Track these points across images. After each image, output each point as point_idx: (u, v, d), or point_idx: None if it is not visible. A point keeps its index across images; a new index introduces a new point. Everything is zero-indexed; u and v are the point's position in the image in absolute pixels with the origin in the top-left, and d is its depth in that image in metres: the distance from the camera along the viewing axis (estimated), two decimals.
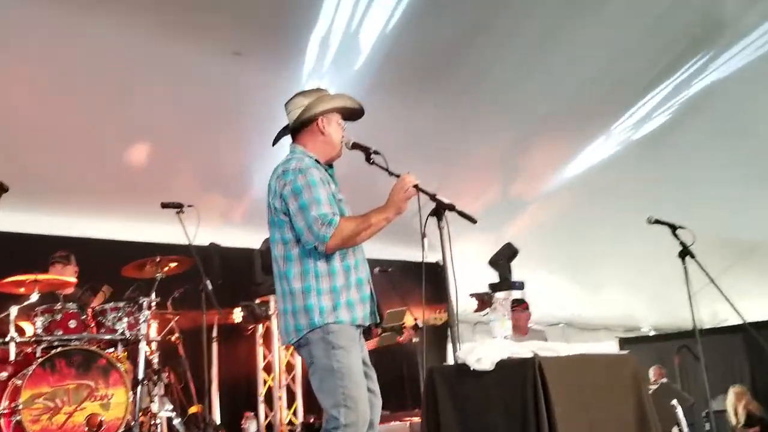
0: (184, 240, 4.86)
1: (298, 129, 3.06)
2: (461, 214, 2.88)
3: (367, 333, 3.05)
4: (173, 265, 5.08)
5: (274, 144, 3.17)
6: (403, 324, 5.97)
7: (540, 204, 8.46)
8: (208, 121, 5.70)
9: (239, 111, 5.68)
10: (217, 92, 5.52)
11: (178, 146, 5.86)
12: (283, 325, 2.92)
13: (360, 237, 2.81)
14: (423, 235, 2.78)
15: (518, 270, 7.58)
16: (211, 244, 6.32)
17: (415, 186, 2.86)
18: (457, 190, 7.32)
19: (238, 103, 5.63)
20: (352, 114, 3.14)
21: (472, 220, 2.87)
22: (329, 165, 3.10)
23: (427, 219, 2.86)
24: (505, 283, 7.47)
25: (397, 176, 2.91)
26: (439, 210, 2.88)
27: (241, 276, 6.58)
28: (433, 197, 2.88)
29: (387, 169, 2.95)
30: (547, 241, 8.81)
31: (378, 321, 2.93)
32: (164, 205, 4.89)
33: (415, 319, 5.96)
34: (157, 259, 5.00)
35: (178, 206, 4.88)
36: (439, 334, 7.97)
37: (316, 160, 3.00)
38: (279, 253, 2.92)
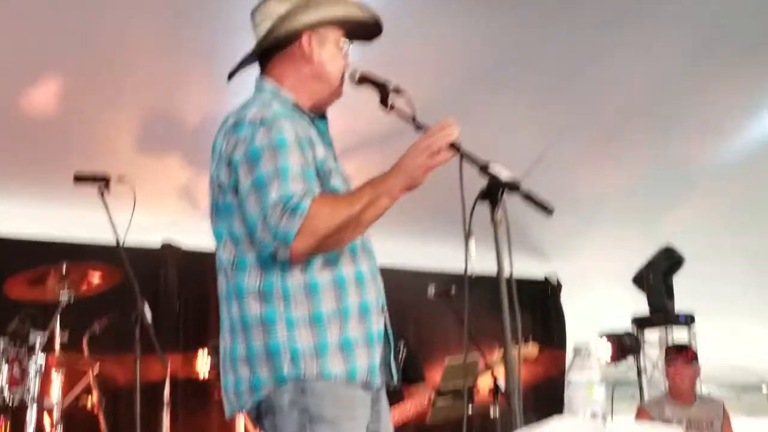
0: (110, 237, 4.18)
1: (269, 53, 2.58)
2: (529, 198, 2.25)
3: (394, 395, 2.50)
4: (92, 278, 4.43)
5: (229, 78, 2.64)
6: (475, 384, 4.75)
7: (720, 177, 6.43)
8: (147, 36, 4.95)
9: (198, 20, 4.94)
10: None
11: (98, 79, 5.05)
12: (231, 381, 2.36)
13: (349, 231, 2.29)
14: (467, 234, 2.24)
15: (683, 293, 6.25)
16: (164, 245, 5.70)
17: (452, 145, 2.30)
18: (567, 156, 6.07)
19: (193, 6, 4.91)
20: (360, 30, 2.63)
21: (547, 210, 2.25)
22: (318, 114, 2.59)
23: (474, 205, 2.24)
24: (661, 314, 6.14)
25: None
26: (493, 191, 2.25)
27: (212, 298, 5.52)
28: (483, 168, 2.26)
29: (414, 120, 2.41)
30: (735, 243, 6.87)
31: (402, 380, 2.33)
32: (78, 178, 4.24)
33: (495, 378, 4.61)
34: (63, 269, 4.32)
35: (100, 179, 4.26)
36: (550, 395, 6.66)
37: (294, 105, 2.50)
38: (226, 258, 2.41)
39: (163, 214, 5.79)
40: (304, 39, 2.53)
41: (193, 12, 4.98)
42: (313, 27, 2.54)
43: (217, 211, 2.43)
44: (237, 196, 2.34)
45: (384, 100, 2.49)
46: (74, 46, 4.84)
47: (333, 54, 2.56)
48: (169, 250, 5.79)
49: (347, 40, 2.61)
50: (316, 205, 2.23)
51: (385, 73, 2.54)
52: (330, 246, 2.29)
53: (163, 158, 5.72)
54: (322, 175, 2.38)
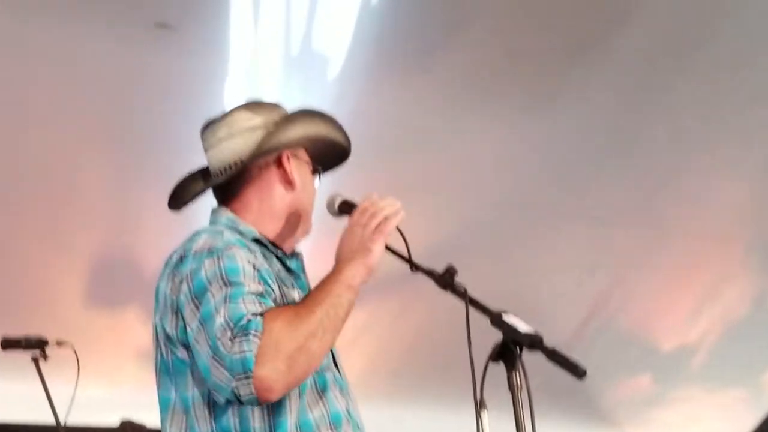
0: (48, 416, 4.07)
1: (232, 179, 2.45)
2: (555, 357, 2.08)
3: None
4: None
5: (178, 207, 2.55)
6: None
7: None
8: (99, 168, 5.00)
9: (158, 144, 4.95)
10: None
11: (38, 220, 5.06)
12: None
13: (317, 341, 2.10)
14: (479, 404, 2.11)
15: None
16: (123, 422, 5.19)
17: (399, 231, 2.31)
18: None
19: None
20: (331, 153, 2.57)
21: (578, 372, 2.08)
22: (287, 252, 2.46)
23: (485, 368, 2.10)
24: None
25: (430, 273, 2.26)
26: (509, 349, 2.11)
27: None
28: (495, 319, 2.13)
29: (409, 260, 2.32)
30: None
31: None
32: (7, 344, 4.14)
33: None
34: None
35: (34, 343, 4.16)
36: None
37: (255, 240, 2.36)
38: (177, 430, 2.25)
39: (121, 383, 5.59)
40: (284, 159, 2.44)
41: (152, 135, 4.98)
42: (291, 146, 2.46)
43: (164, 372, 2.28)
44: (186, 349, 2.19)
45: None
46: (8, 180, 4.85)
47: (309, 180, 2.49)
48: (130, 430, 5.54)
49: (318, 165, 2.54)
50: (269, 319, 2.06)
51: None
52: (302, 366, 2.09)
53: (117, 313, 5.59)
54: (267, 301, 2.20)
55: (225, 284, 2.13)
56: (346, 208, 2.40)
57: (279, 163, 2.44)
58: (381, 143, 5.23)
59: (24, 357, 4.18)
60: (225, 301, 2.10)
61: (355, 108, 5.01)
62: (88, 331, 4.75)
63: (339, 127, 2.55)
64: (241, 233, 2.35)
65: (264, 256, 2.32)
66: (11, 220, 5.09)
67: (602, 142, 5.91)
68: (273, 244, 2.40)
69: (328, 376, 2.26)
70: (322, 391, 2.23)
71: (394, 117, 5.41)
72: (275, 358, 2.01)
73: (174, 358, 2.24)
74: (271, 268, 2.30)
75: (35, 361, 4.17)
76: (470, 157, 5.76)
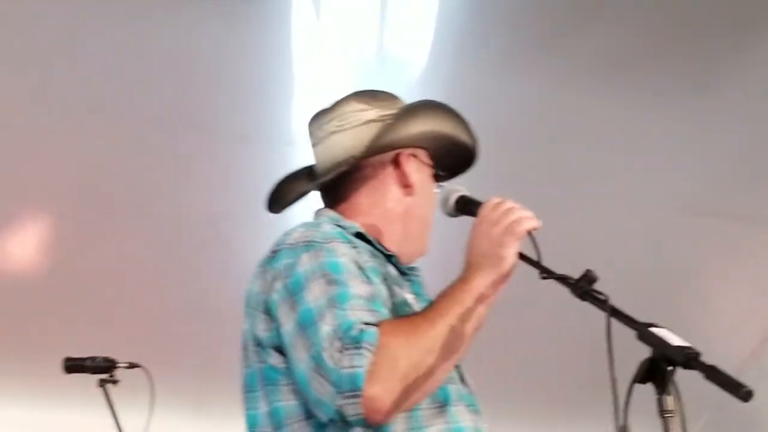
0: None
1: (341, 178, 2.49)
2: (714, 375, 2.01)
3: None
4: None
5: (277, 210, 2.61)
6: None
7: None
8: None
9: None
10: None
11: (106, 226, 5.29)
12: None
13: (441, 359, 2.13)
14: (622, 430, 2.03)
15: None
16: None
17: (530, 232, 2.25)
18: None
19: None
20: (454, 156, 2.57)
21: (742, 393, 1.97)
22: (404, 262, 2.49)
23: (630, 388, 2.06)
24: None
25: (564, 280, 2.20)
26: (659, 367, 2.07)
27: None
28: (642, 332, 2.08)
29: (539, 264, 2.26)
30: None
31: None
32: (71, 368, 4.32)
33: None
34: None
35: (102, 366, 4.34)
36: None
37: (357, 234, 2.39)
38: None
39: (203, 411, 5.74)
40: (403, 159, 2.45)
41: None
42: (411, 144, 2.46)
43: (252, 386, 2.30)
44: (280, 354, 2.22)
45: None
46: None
47: (429, 185, 2.49)
48: None
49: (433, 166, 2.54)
50: (384, 332, 2.06)
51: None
52: (419, 387, 2.10)
53: (198, 333, 5.74)
54: (381, 306, 2.21)
55: (327, 283, 2.15)
56: (466, 205, 2.38)
57: (396, 162, 2.46)
58: (503, 134, 5.28)
59: (90, 381, 4.35)
60: (330, 305, 2.12)
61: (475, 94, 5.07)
62: (163, 353, 4.87)
63: (466, 126, 2.53)
64: (342, 227, 2.37)
65: (371, 254, 2.34)
66: (78, 236, 5.39)
67: None
68: (384, 248, 2.43)
69: (452, 389, 2.27)
70: (443, 404, 2.25)
71: (516, 106, 5.44)
72: (389, 377, 2.03)
73: (265, 367, 2.26)
74: (378, 266, 2.31)
75: (103, 385, 4.32)
76: (613, 151, 5.73)
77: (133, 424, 4.33)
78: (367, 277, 2.23)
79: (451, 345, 2.13)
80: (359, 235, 2.37)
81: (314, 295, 2.15)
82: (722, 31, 5.50)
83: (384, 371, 2.03)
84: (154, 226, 5.35)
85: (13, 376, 5.48)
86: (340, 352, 2.03)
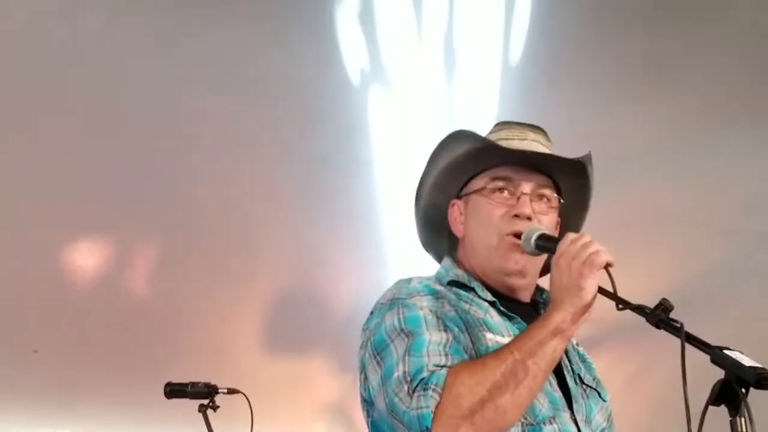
0: None
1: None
2: None
3: None
4: None
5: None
6: None
7: None
8: (275, 202, 5.37)
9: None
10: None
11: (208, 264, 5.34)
12: None
13: (509, 395, 2.12)
14: None
15: None
16: None
17: (607, 266, 2.21)
18: None
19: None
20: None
21: None
22: (522, 298, 2.51)
23: (704, 412, 2.00)
24: None
25: (641, 310, 2.17)
26: (732, 389, 2.01)
27: None
28: (715, 355, 2.04)
29: (615, 296, 2.22)
30: None
31: None
32: (174, 391, 4.34)
33: None
34: None
35: (203, 391, 4.33)
36: None
37: (452, 283, 2.47)
38: None
39: None
40: (458, 203, 2.55)
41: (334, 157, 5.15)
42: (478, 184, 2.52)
43: None
44: (374, 409, 2.31)
45: None
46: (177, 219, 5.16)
47: (486, 209, 2.48)
48: None
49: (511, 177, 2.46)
50: (453, 372, 2.11)
51: None
52: (488, 423, 2.10)
53: (298, 361, 5.73)
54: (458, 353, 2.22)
55: (406, 335, 2.25)
56: (546, 243, 2.37)
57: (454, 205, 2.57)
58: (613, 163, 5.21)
59: (191, 406, 4.35)
60: (406, 354, 2.21)
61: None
62: (263, 380, 4.89)
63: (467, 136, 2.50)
64: (439, 279, 2.48)
65: (466, 300, 2.40)
66: (181, 264, 5.43)
67: None
68: (489, 287, 2.45)
69: (548, 428, 2.27)
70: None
71: (629, 133, 5.38)
72: (454, 415, 2.07)
73: (371, 421, 2.38)
74: (473, 314, 2.36)
75: (203, 410, 4.32)
76: (727, 186, 5.64)
77: None
78: (446, 326, 2.28)
79: (523, 380, 2.12)
80: (453, 283, 2.45)
81: (396, 350, 2.24)
82: None
83: (450, 410, 2.07)
84: (257, 251, 5.41)
85: (116, 402, 5.48)
86: (410, 395, 2.12)
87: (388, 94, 5.47)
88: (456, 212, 2.53)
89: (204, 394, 4.35)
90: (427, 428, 2.06)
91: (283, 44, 5.21)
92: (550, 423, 2.27)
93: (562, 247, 2.24)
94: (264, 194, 5.31)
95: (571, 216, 2.56)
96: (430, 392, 2.08)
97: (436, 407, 2.07)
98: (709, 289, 5.73)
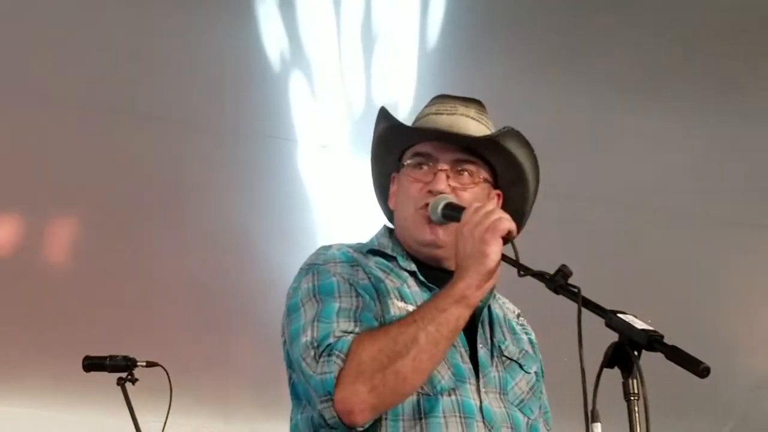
0: None
1: None
2: (676, 356, 1.99)
3: None
4: None
5: None
6: None
7: None
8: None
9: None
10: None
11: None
12: None
13: (411, 359, 2.14)
14: (590, 418, 2.02)
15: None
16: None
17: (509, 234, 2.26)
18: None
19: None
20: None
21: (700, 370, 1.97)
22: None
23: (599, 375, 2.03)
24: None
25: (540, 276, 2.23)
26: (624, 351, 2.05)
27: None
28: (610, 319, 2.08)
29: (518, 263, 2.29)
30: None
31: None
32: (90, 366, 4.32)
33: None
34: None
35: (121, 367, 4.31)
36: None
37: (372, 251, 2.52)
38: None
39: (223, 415, 5.72)
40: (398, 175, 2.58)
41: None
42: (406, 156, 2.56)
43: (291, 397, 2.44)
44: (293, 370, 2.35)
45: None
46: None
47: (407, 185, 2.51)
48: None
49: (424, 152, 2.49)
50: (357, 340, 2.15)
51: None
52: (389, 388, 2.14)
53: (221, 337, 5.68)
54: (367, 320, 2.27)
55: (317, 301, 2.30)
56: (451, 211, 2.39)
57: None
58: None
59: (110, 379, 4.34)
60: (315, 319, 2.25)
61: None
62: (185, 354, 4.87)
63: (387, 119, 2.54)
64: (361, 247, 2.51)
65: (383, 269, 2.44)
66: (102, 238, 5.39)
67: None
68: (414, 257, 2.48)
69: (445, 399, 2.28)
70: (424, 415, 2.26)
71: (539, 114, 5.42)
72: (355, 380, 2.12)
73: (291, 383, 2.42)
74: (388, 282, 2.39)
75: (122, 384, 4.31)
76: (638, 161, 5.72)
77: (151, 423, 4.32)
78: (357, 293, 2.32)
79: (425, 347, 2.15)
80: (373, 252, 2.50)
81: (305, 313, 2.29)
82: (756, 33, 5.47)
83: (351, 375, 2.11)
84: (179, 227, 5.39)
85: (34, 374, 5.48)
86: (316, 360, 2.16)
87: (307, 79, 5.46)
88: (394, 186, 2.57)
89: (122, 367, 4.34)
90: (330, 393, 2.11)
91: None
92: (449, 395, 2.30)
93: (465, 215, 2.27)
94: (188, 171, 5.30)
95: (510, 190, 2.55)
96: (334, 358, 2.13)
97: (339, 372, 2.11)
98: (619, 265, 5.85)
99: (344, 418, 2.12)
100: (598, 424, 2.04)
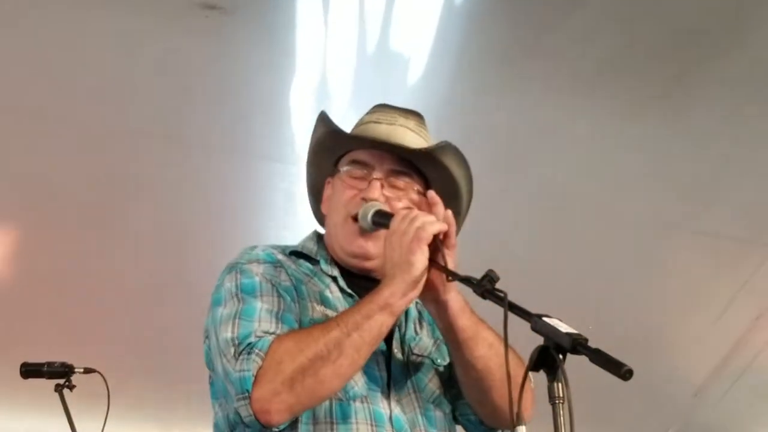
0: None
1: None
2: (599, 359, 1.97)
3: None
4: None
5: None
6: None
7: None
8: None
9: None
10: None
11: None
12: None
13: (331, 364, 2.15)
14: (514, 420, 2.03)
15: None
16: None
17: (436, 238, 2.27)
18: None
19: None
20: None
21: (622, 374, 1.95)
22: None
23: (525, 378, 2.05)
24: None
25: (467, 281, 2.24)
26: (549, 354, 2.04)
27: None
28: (534, 323, 2.08)
29: (446, 268, 2.30)
30: None
31: None
32: (28, 372, 4.30)
33: None
34: None
35: (59, 374, 4.30)
36: None
37: (294, 253, 2.54)
38: None
39: (160, 419, 5.75)
40: (329, 182, 2.61)
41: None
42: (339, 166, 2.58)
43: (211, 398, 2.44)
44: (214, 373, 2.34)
45: None
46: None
47: (340, 191, 2.52)
48: None
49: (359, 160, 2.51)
50: (278, 339, 2.15)
51: None
52: (306, 391, 2.14)
53: (158, 343, 5.67)
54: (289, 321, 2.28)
55: (239, 300, 2.29)
56: (381, 219, 2.40)
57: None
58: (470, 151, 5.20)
59: (48, 386, 4.31)
60: (237, 318, 2.24)
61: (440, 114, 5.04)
62: (122, 361, 4.83)
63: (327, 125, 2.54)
64: (285, 249, 2.52)
65: (307, 272, 2.46)
66: (39, 243, 5.35)
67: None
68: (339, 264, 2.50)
69: (357, 406, 2.29)
70: (338, 420, 2.27)
71: (487, 122, 5.42)
72: (273, 380, 2.10)
73: (211, 382, 2.42)
74: (310, 286, 2.41)
75: (60, 390, 4.29)
76: (574, 166, 5.73)
77: (90, 430, 4.29)
78: (279, 294, 2.33)
79: (346, 352, 2.15)
80: (296, 254, 2.50)
81: (225, 311, 2.28)
82: (692, 46, 5.46)
83: (269, 375, 2.10)
84: (119, 232, 5.36)
85: None
86: (236, 357, 2.15)
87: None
88: (328, 190, 2.57)
89: (60, 373, 4.32)
90: (247, 391, 2.09)
91: None
92: (362, 402, 2.30)
93: (393, 224, 2.28)
94: (126, 173, 5.24)
95: (446, 204, 2.47)
96: (253, 356, 2.12)
97: (258, 371, 2.10)
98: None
99: (260, 418, 2.11)
100: (523, 427, 2.06)
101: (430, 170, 2.51)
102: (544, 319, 2.10)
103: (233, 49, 4.94)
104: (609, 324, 5.57)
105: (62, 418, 4.30)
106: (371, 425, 2.30)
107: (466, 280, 2.23)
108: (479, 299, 2.25)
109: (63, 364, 4.32)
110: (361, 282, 2.46)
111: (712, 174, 5.96)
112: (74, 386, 4.32)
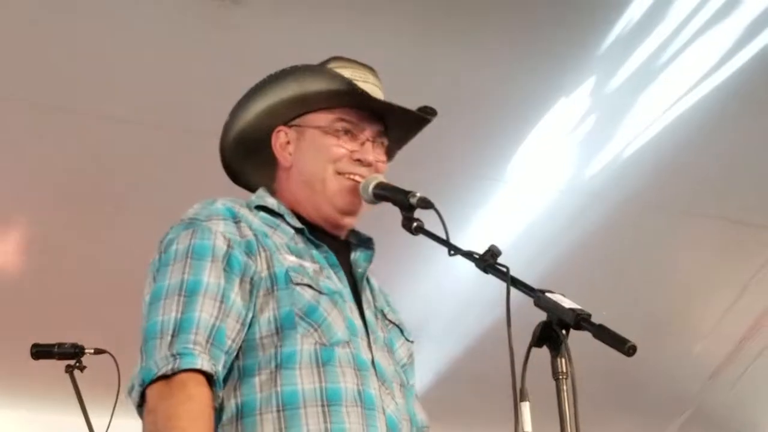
0: None
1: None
2: (603, 335, 1.98)
3: None
4: None
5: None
6: None
7: None
8: None
9: None
10: None
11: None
12: None
13: None
14: (518, 396, 2.03)
15: None
16: None
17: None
18: None
19: None
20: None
21: (627, 350, 1.94)
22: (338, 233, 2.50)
23: (528, 354, 2.04)
24: None
25: (470, 255, 2.25)
26: (552, 330, 2.05)
27: None
28: (538, 299, 2.09)
29: (447, 243, 2.30)
30: None
31: None
32: (38, 354, 4.27)
33: None
34: None
35: (69, 355, 4.26)
36: None
37: (260, 207, 2.44)
38: None
39: None
40: (278, 131, 2.53)
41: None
42: (294, 110, 2.51)
43: None
44: None
45: (408, 222, 2.35)
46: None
47: (320, 145, 2.48)
48: None
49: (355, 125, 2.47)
50: (189, 388, 2.08)
51: None
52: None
53: None
54: (279, 280, 2.26)
55: (183, 268, 2.21)
56: (382, 191, 2.41)
57: (274, 134, 2.57)
58: None
59: (58, 367, 4.29)
60: (180, 312, 2.16)
61: None
62: (133, 341, 4.77)
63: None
64: (248, 203, 2.44)
65: (271, 225, 2.39)
66: (49, 223, 5.38)
67: None
68: (302, 217, 2.45)
69: (340, 351, 2.27)
70: (322, 363, 2.24)
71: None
72: (159, 403, 2.07)
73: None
74: (275, 238, 2.35)
75: (70, 371, 4.27)
76: None
77: (100, 411, 4.26)
78: (224, 297, 2.22)
79: None
80: (261, 208, 2.43)
81: (170, 281, 2.20)
82: None
83: (165, 394, 2.06)
84: (131, 218, 5.37)
85: None
86: (168, 349, 2.10)
87: None
88: (282, 139, 2.50)
89: (71, 354, 4.28)
90: (144, 383, 2.09)
91: None
92: (344, 347, 2.28)
93: None
94: (132, 159, 5.29)
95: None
96: (173, 364, 2.09)
97: (162, 383, 2.09)
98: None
99: (138, 408, 2.13)
100: (527, 403, 2.04)
101: (396, 131, 2.56)
102: (547, 294, 2.10)
103: (244, 38, 4.93)
104: (625, 308, 5.56)
105: (73, 399, 4.29)
106: (354, 369, 2.29)
107: (468, 255, 2.22)
108: (482, 274, 2.24)
109: (74, 345, 4.28)
110: (323, 236, 2.45)
111: (730, 160, 5.96)
112: (85, 367, 4.29)
